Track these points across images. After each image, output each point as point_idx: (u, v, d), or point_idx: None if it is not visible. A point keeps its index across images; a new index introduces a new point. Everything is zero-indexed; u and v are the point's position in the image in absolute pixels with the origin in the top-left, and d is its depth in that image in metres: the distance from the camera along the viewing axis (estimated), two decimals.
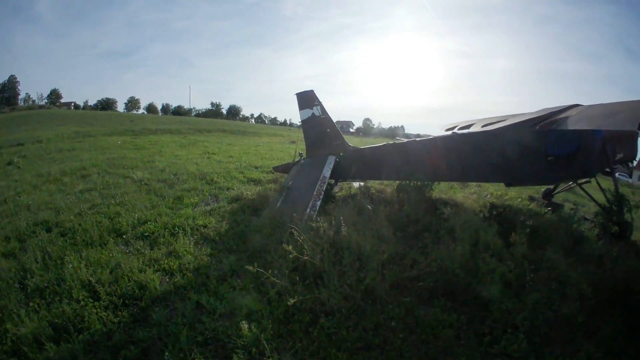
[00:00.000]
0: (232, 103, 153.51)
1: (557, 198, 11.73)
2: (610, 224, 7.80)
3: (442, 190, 10.91)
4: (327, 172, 7.99)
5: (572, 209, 9.37)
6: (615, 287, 5.31)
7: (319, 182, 7.54)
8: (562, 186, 11.11)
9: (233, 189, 9.69)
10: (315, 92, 9.23)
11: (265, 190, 9.58)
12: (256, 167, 13.76)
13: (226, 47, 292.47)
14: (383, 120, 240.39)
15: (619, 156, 9.31)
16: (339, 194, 9.75)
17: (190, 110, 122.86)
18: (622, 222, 7.72)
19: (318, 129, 9.14)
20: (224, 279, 5.00)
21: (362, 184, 10.15)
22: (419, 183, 8.28)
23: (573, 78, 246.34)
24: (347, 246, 5.02)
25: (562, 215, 8.28)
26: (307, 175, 8.26)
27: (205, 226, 6.88)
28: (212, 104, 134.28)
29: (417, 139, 9.88)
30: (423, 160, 8.54)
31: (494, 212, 7.47)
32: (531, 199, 10.99)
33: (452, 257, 5.08)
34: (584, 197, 11.43)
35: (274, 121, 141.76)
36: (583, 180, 9.37)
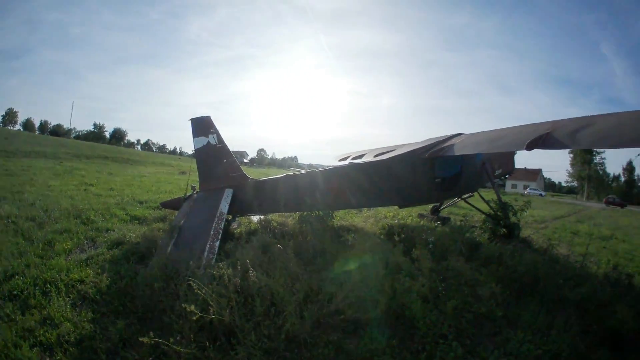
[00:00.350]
0: (117, 126, 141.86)
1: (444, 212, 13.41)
2: (498, 227, 9.24)
3: (341, 217, 11.31)
4: (224, 207, 7.28)
5: (461, 220, 10.64)
6: (521, 278, 6.17)
7: (216, 220, 6.75)
8: (448, 202, 12.84)
9: (114, 231, 8.30)
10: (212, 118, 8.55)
11: (153, 231, 8.29)
12: (141, 202, 12.30)
13: (120, 63, 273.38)
14: (277, 150, 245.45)
15: (498, 172, 11.68)
16: (238, 230, 8.96)
17: (70, 130, 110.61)
18: (509, 224, 9.26)
19: (214, 159, 8.38)
20: (115, 353, 3.95)
21: (262, 217, 9.51)
22: (321, 213, 8.53)
23: (450, 112, 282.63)
24: (257, 292, 4.42)
25: (454, 226, 9.50)
26: (202, 212, 7.43)
27: (81, 281, 5.51)
28: (95, 125, 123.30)
29: (317, 170, 9.58)
30: (324, 190, 8.55)
31: (394, 233, 7.82)
32: (421, 215, 12.58)
33: (368, 284, 5.09)
34: (466, 209, 13.09)
35: (162, 149, 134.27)
36: (467, 195, 11.45)
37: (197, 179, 8.51)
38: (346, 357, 4.04)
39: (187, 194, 8.54)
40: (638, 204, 66.07)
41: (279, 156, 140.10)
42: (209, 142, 8.38)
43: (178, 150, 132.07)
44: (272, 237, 7.16)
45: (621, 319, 5.09)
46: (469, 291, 5.37)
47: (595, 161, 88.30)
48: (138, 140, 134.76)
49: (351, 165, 10.01)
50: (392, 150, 10.90)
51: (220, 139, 8.47)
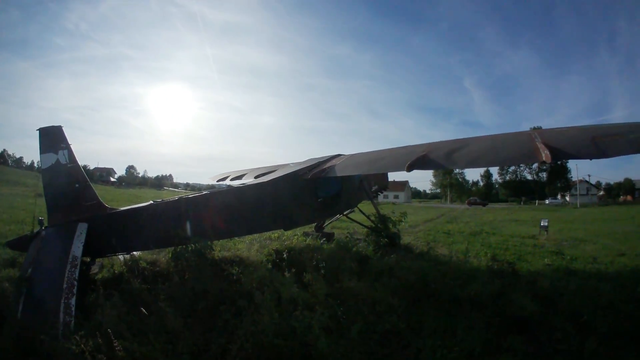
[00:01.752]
0: None
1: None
2: (381, 239, 9.57)
3: (222, 246, 10.38)
4: (77, 248, 5.85)
5: (346, 235, 10.60)
6: (413, 286, 6.33)
7: (69, 267, 5.44)
8: (330, 219, 13.28)
9: None
10: (64, 129, 6.82)
11: (1, 283, 6.45)
12: None
13: None
14: (149, 167, 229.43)
15: (375, 188, 12.43)
16: (100, 276, 7.46)
17: None
18: (389, 235, 9.65)
19: (64, 182, 6.66)
20: None
21: (127, 257, 7.95)
22: (198, 245, 7.23)
23: (325, 132, 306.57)
24: None
25: (340, 242, 9.44)
26: (51, 257, 5.95)
27: None
28: None
29: (189, 195, 8.38)
30: (199, 219, 7.55)
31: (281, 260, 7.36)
32: (306, 234, 12.68)
33: (264, 329, 4.42)
34: (349, 222, 13.40)
35: (19, 163, 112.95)
36: (348, 211, 11.85)
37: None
38: None
39: (35, 231, 6.67)
40: (497, 202, 78.26)
41: (152, 174, 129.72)
42: (58, 160, 6.62)
43: (37, 164, 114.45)
44: (141, 283, 6.15)
45: (521, 306, 5.50)
46: (368, 310, 5.30)
47: (455, 171, 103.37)
48: None
49: (230, 188, 9.28)
50: (273, 171, 10.85)
51: (72, 157, 6.73)
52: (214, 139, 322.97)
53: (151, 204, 7.65)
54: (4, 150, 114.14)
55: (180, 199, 7.90)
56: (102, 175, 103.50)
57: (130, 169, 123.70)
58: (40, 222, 6.53)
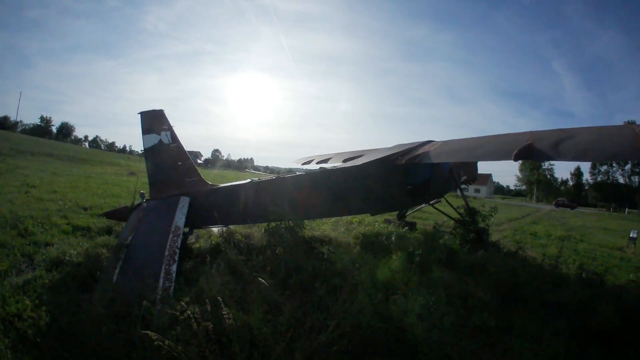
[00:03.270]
0: (65, 119, 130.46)
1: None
2: (468, 232, 9.15)
3: (310, 226, 10.47)
4: (180, 219, 6.14)
5: (434, 226, 10.46)
6: (504, 284, 6.17)
7: (171, 236, 5.61)
8: (415, 207, 12.88)
9: (53, 245, 7.05)
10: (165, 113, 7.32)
11: (96, 249, 6.88)
12: (85, 209, 10.97)
13: (72, 51, 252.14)
14: (232, 152, 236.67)
15: (464, 178, 11.77)
16: (197, 245, 7.87)
17: (16, 124, 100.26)
18: (478, 230, 9.14)
19: (167, 161, 7.16)
20: None
21: (223, 229, 8.34)
22: (291, 223, 7.66)
23: (403, 119, 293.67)
24: (235, 336, 3.57)
25: (427, 233, 9.37)
26: (153, 226, 6.23)
27: (19, 316, 4.34)
28: (41, 118, 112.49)
29: (285, 175, 8.70)
30: (293, 198, 7.76)
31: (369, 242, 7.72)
32: (387, 221, 12.53)
33: (361, 308, 4.42)
34: (431, 213, 13.27)
35: (111, 147, 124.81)
36: (434, 201, 11.29)
37: (147, 183, 7.35)
38: None
39: (136, 202, 7.17)
40: (586, 206, 69.86)
41: (235, 157, 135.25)
42: (161, 140, 7.11)
43: (128, 148, 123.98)
44: (238, 255, 6.33)
45: (606, 318, 5.20)
46: (460, 303, 5.18)
47: (543, 167, 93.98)
48: (86, 137, 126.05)
49: (324, 170, 9.22)
50: (360, 156, 10.74)
51: (174, 137, 7.25)
52: (291, 126, 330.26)
53: (250, 181, 7.93)
54: (97, 136, 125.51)
55: (277, 178, 8.30)
56: (191, 157, 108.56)
57: (215, 152, 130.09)
58: (142, 196, 7.06)
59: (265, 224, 8.16)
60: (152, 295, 4.44)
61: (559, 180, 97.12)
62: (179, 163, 7.25)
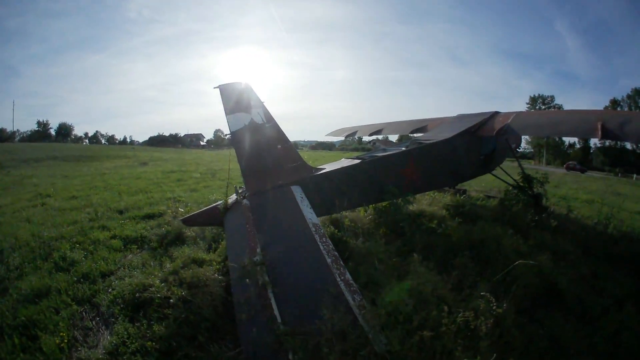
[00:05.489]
0: (62, 120, 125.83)
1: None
2: (526, 198, 9.39)
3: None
4: (310, 214, 4.70)
5: (507, 191, 10.30)
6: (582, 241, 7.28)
7: (318, 237, 4.22)
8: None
9: (114, 274, 5.40)
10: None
11: (190, 271, 5.13)
12: (120, 212, 9.23)
13: (58, 52, 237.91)
14: None
15: (514, 146, 11.98)
16: None
17: (13, 133, 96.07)
18: (536, 195, 9.56)
19: (263, 145, 5.76)
20: None
21: (328, 217, 7.18)
22: (401, 201, 7.33)
23: (404, 83, 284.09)
24: None
25: (504, 201, 9.51)
26: (282, 229, 4.79)
27: None
28: (38, 123, 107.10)
29: (386, 154, 7.67)
30: (401, 175, 7.39)
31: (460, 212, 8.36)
32: (442, 190, 12.29)
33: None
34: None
35: (112, 140, 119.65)
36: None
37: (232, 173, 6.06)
38: None
39: (231, 200, 5.79)
40: (592, 170, 67.61)
41: None
42: (252, 120, 5.73)
43: (128, 139, 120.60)
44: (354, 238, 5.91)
45: None
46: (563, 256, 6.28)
47: None
48: (86, 134, 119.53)
49: (423, 146, 8.23)
50: (423, 126, 11.25)
51: (268, 115, 5.87)
52: (290, 98, 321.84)
53: (361, 162, 7.05)
54: (97, 131, 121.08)
55: (385, 155, 7.56)
56: (192, 140, 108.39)
57: (217, 132, 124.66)
58: (237, 191, 5.77)
59: (368, 207, 7.94)
60: (349, 322, 3.22)
61: (567, 143, 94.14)
62: (279, 146, 5.87)
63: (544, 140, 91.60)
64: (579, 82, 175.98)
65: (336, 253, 4.03)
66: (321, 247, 4.08)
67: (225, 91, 5.83)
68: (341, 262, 3.91)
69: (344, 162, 7.17)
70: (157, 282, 4.85)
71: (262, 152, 5.76)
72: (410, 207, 8.29)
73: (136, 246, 6.70)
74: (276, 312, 3.62)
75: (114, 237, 7.12)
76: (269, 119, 5.88)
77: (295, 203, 4.93)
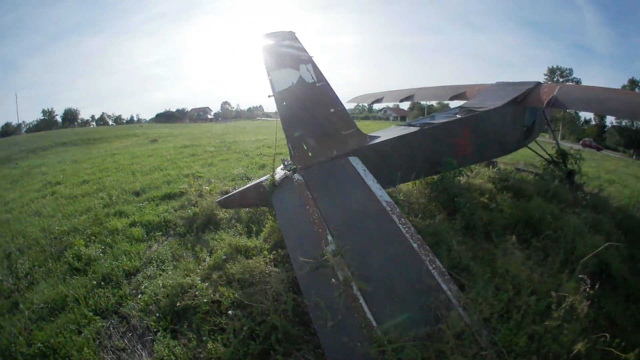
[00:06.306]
0: (68, 106, 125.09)
1: None
2: (561, 173, 9.21)
3: None
4: (379, 190, 3.90)
5: (544, 166, 10.22)
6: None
7: (396, 218, 3.54)
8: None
9: (139, 273, 4.51)
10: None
11: (257, 268, 4.19)
12: (137, 194, 8.32)
13: (56, 39, 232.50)
14: (241, 101, 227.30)
15: (549, 118, 11.30)
16: None
17: (19, 125, 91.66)
18: (570, 170, 9.36)
19: (314, 107, 4.76)
20: None
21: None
22: (455, 173, 6.74)
23: (415, 49, 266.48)
24: None
25: (545, 175, 9.35)
26: (351, 209, 3.92)
27: None
28: (43, 111, 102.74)
29: (441, 121, 6.81)
30: (456, 145, 6.69)
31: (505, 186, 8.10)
32: None
33: None
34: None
35: (119, 120, 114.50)
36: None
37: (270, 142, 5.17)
38: None
39: (277, 175, 4.73)
40: (606, 149, 64.65)
41: (244, 107, 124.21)
42: (301, 77, 4.71)
43: (135, 118, 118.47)
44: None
45: None
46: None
47: None
48: (92, 117, 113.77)
49: (475, 114, 7.41)
50: (461, 93, 10.58)
51: (318, 73, 4.83)
52: None
53: (420, 129, 6.15)
54: (103, 112, 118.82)
55: (441, 124, 6.65)
56: (200, 114, 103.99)
57: (225, 104, 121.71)
58: (285, 162, 4.78)
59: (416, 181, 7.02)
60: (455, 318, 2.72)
61: (582, 119, 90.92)
62: (332, 110, 4.84)
63: (560, 114, 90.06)
64: (595, 57, 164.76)
65: (420, 236, 3.38)
66: (403, 231, 3.42)
67: (266, 42, 4.83)
68: (427, 247, 3.29)
69: (398, 130, 6.32)
70: (198, 281, 3.84)
71: (314, 117, 4.75)
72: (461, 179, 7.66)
73: (160, 232, 5.71)
74: (369, 314, 2.91)
75: (133, 224, 6.24)
76: (320, 77, 4.84)
77: (359, 178, 4.10)
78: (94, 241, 5.58)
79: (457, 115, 7.27)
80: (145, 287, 4.06)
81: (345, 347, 2.83)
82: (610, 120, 77.58)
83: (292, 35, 4.87)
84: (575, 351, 2.83)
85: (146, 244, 5.45)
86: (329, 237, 3.50)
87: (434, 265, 3.12)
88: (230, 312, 3.54)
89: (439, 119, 7.14)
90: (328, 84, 4.88)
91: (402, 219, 3.53)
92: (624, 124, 74.39)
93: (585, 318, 3.05)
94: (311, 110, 4.76)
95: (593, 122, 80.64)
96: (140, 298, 3.91)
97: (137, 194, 8.34)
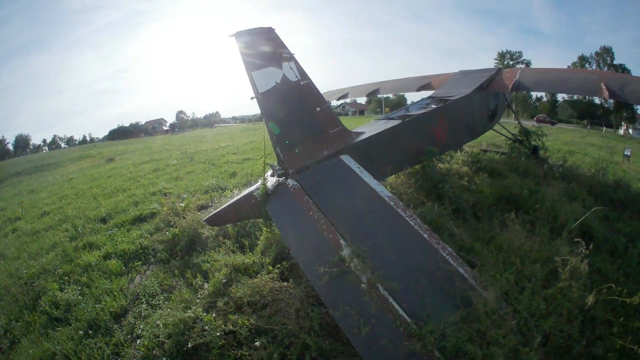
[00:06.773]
0: (19, 132, 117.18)
1: None
2: (525, 150, 9.80)
3: None
4: (380, 187, 3.91)
5: (510, 145, 10.69)
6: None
7: (402, 212, 3.56)
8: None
9: (128, 313, 4.15)
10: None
11: (265, 286, 3.98)
12: (104, 221, 7.90)
13: (1, 62, 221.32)
14: (197, 109, 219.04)
15: (509, 100, 11.97)
16: None
17: None
18: (534, 147, 9.86)
19: (299, 107, 4.60)
20: None
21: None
22: (434, 161, 6.78)
23: (367, 45, 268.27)
24: None
25: (511, 153, 10.16)
26: (355, 210, 3.79)
27: None
28: None
29: (419, 113, 6.85)
30: (432, 134, 6.89)
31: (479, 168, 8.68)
32: None
33: None
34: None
35: (71, 142, 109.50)
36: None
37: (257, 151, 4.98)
38: None
39: (269, 183, 4.40)
40: (561, 122, 67.26)
41: (200, 115, 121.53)
42: (285, 77, 4.52)
43: (88, 137, 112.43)
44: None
45: None
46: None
47: None
48: (44, 141, 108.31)
49: (448, 103, 7.54)
50: (427, 83, 10.62)
51: (301, 71, 4.67)
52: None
53: (402, 122, 6.13)
54: (55, 135, 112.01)
55: (421, 114, 6.79)
56: (155, 127, 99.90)
57: (180, 114, 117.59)
58: (274, 168, 4.54)
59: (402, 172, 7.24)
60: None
61: (534, 97, 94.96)
62: (317, 109, 4.71)
63: (512, 94, 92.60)
64: (543, 38, 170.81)
65: (426, 225, 3.48)
66: (411, 223, 3.48)
67: (244, 40, 4.44)
68: (436, 235, 3.39)
69: (381, 124, 6.29)
70: (202, 312, 3.39)
71: (301, 117, 4.57)
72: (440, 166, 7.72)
73: (140, 262, 5.23)
74: (401, 311, 2.93)
75: (107, 256, 5.81)
76: (303, 74, 4.67)
77: (356, 176, 4.07)
78: (68, 282, 5.05)
79: (432, 106, 7.40)
80: (141, 329, 3.59)
81: (384, 350, 2.77)
82: (561, 95, 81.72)
83: (271, 32, 4.57)
84: (588, 304, 3.14)
85: (127, 278, 4.99)
86: (342, 241, 3.37)
87: (447, 252, 3.23)
88: (257, 343, 3.19)
89: (415, 110, 7.26)
90: (312, 82, 4.70)
91: (407, 212, 3.56)
92: (575, 97, 76.96)
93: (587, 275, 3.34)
94: (297, 110, 4.55)
95: (545, 99, 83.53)
96: (139, 344, 3.46)
97: (103, 220, 7.90)
